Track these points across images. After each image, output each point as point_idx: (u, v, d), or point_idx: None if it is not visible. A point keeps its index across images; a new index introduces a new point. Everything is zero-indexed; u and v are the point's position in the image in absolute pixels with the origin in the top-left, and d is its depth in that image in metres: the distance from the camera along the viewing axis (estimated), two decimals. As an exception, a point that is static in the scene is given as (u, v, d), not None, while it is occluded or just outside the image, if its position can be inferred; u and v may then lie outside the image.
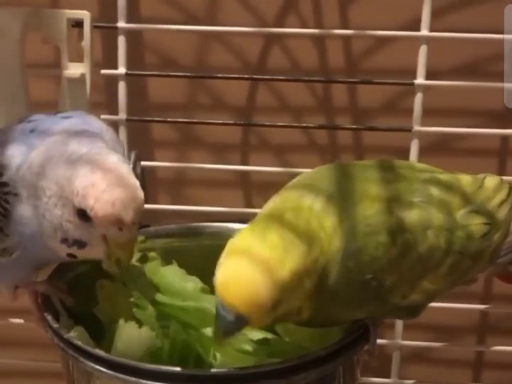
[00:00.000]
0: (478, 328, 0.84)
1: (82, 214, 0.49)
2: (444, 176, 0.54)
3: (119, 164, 0.50)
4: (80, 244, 0.51)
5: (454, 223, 0.51)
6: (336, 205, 0.49)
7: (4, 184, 0.53)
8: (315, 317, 0.50)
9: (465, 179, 0.54)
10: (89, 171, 0.49)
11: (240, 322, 0.45)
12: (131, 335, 0.53)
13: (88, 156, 0.50)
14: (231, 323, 0.45)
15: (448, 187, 0.52)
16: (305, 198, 0.49)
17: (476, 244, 0.52)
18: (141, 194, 0.50)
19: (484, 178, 0.55)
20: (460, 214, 0.51)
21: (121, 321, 0.54)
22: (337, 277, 0.48)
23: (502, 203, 0.54)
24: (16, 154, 0.53)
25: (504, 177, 0.74)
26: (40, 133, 0.54)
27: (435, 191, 0.52)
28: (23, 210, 0.53)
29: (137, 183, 0.50)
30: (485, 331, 0.85)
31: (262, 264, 0.44)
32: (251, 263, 0.44)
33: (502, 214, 0.53)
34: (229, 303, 0.44)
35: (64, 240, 0.51)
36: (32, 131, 0.55)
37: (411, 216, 0.50)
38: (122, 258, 0.51)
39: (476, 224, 0.52)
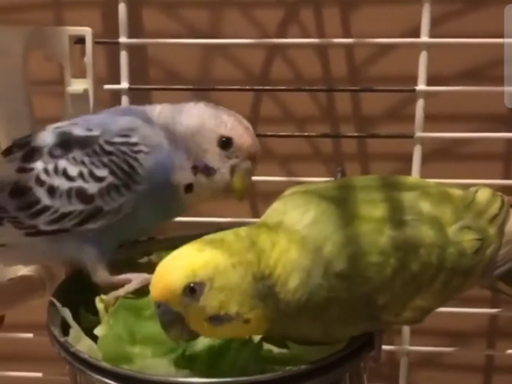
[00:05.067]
0: (488, 332, 0.84)
1: (226, 142, 0.57)
2: (435, 191, 0.53)
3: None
4: (210, 171, 0.58)
5: (446, 240, 0.50)
6: (321, 226, 0.49)
7: (135, 144, 0.57)
8: (291, 331, 0.50)
9: (456, 194, 0.54)
10: (229, 113, 0.58)
11: (171, 313, 0.48)
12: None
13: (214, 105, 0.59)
14: (166, 316, 0.48)
15: (439, 202, 0.52)
16: (286, 216, 0.51)
17: (468, 260, 0.51)
18: None
19: (476, 191, 0.54)
20: (452, 230, 0.51)
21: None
22: (318, 295, 0.48)
23: (494, 217, 0.53)
24: (134, 119, 0.59)
25: (510, 181, 0.75)
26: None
27: (426, 207, 0.51)
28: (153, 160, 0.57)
29: None
30: (494, 335, 0.84)
31: (182, 264, 0.48)
32: (175, 263, 0.48)
33: (494, 228, 0.53)
34: (152, 296, 0.48)
35: (194, 168, 0.58)
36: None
37: (403, 235, 0.49)
38: (243, 188, 0.58)
39: (468, 240, 0.51)
